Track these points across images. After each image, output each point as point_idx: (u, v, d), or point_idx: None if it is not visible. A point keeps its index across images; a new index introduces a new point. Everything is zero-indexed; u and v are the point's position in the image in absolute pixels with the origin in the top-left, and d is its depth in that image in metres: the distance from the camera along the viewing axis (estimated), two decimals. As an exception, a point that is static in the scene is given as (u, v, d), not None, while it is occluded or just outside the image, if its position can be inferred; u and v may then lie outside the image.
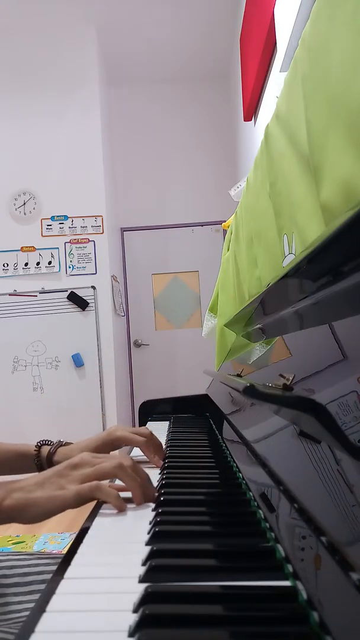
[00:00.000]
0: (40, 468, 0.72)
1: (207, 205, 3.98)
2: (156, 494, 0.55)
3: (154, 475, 0.65)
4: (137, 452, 0.84)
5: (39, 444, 0.73)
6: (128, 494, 0.54)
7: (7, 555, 0.70)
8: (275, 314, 0.71)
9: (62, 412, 3.19)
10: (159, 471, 0.67)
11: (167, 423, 1.13)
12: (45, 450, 0.72)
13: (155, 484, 0.60)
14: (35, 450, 0.72)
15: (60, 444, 0.73)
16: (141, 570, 0.36)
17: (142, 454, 0.73)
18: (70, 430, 3.11)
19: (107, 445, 0.71)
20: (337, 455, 0.33)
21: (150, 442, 0.72)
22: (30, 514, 0.49)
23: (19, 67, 3.33)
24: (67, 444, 0.74)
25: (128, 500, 0.53)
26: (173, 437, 0.93)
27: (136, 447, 0.74)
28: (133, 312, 3.99)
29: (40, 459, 0.72)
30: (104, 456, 0.57)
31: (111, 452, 0.70)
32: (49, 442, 0.74)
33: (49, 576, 0.66)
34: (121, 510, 0.51)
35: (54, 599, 0.33)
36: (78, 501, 0.50)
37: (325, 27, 0.50)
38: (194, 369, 3.79)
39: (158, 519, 0.46)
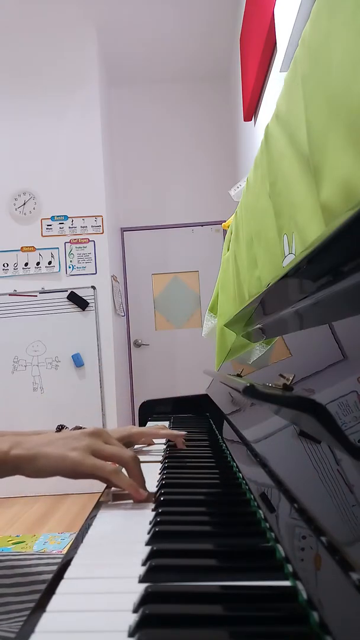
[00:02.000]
0: None
1: (207, 205, 3.98)
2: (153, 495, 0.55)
3: (154, 474, 0.65)
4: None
5: (58, 427, 0.74)
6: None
7: (8, 555, 0.70)
8: (275, 314, 0.71)
9: (62, 412, 3.19)
10: (159, 471, 0.67)
11: (167, 423, 1.13)
12: None
13: (155, 483, 0.61)
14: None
15: (78, 428, 0.75)
16: (141, 570, 0.36)
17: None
18: (70, 430, 3.11)
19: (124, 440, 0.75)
20: (337, 455, 0.33)
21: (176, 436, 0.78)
22: (37, 466, 0.48)
23: (19, 67, 3.33)
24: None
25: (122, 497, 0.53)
26: (173, 437, 0.93)
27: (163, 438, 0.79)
28: (133, 312, 3.99)
29: None
30: (111, 433, 0.57)
31: None
32: (65, 427, 0.75)
33: (49, 576, 0.66)
34: (139, 498, 0.50)
35: (54, 599, 0.33)
36: (88, 472, 0.49)
37: (325, 27, 0.50)
38: (194, 369, 3.79)
39: (158, 519, 0.46)
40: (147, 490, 0.54)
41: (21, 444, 0.49)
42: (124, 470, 0.54)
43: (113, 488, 0.57)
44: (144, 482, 0.55)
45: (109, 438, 0.54)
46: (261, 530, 0.42)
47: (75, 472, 0.49)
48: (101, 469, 0.49)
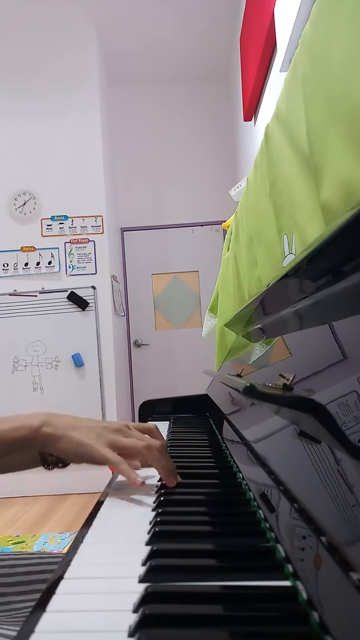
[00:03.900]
0: (43, 460, 0.69)
1: (207, 205, 3.98)
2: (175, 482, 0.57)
3: (154, 474, 0.65)
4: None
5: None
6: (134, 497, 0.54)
7: (9, 555, 0.70)
8: (275, 314, 0.71)
9: (62, 412, 3.18)
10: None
11: (167, 423, 1.13)
12: None
13: (155, 483, 0.60)
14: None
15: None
16: (141, 570, 0.36)
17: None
18: (70, 430, 3.11)
19: None
20: (337, 455, 0.33)
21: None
22: (60, 447, 0.54)
23: (19, 67, 3.33)
24: None
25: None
26: (173, 437, 0.93)
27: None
28: (133, 312, 3.99)
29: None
30: (139, 432, 0.61)
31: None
32: None
33: (50, 576, 0.66)
34: (135, 484, 0.53)
35: (54, 599, 0.33)
36: (101, 460, 0.53)
37: (325, 27, 0.50)
38: (194, 369, 3.79)
39: (158, 519, 0.46)
40: (176, 475, 0.58)
41: (51, 423, 0.55)
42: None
43: (112, 488, 0.58)
44: (168, 467, 0.57)
45: (129, 433, 0.58)
46: (261, 530, 0.42)
47: (91, 457, 0.54)
48: (110, 459, 0.53)
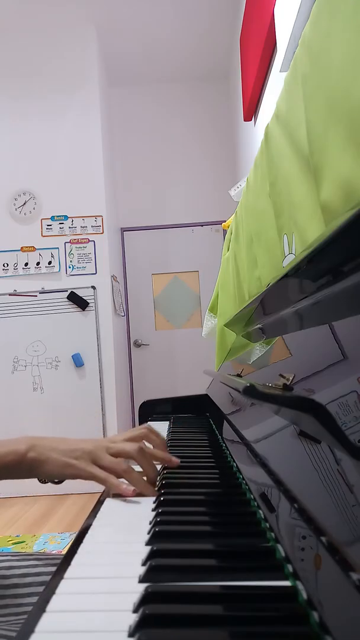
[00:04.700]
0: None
1: (207, 205, 3.98)
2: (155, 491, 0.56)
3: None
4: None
5: None
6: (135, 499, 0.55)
7: (6, 555, 0.70)
8: (275, 314, 0.71)
9: (62, 412, 3.19)
10: (159, 471, 0.67)
11: (167, 423, 1.13)
12: None
13: (155, 483, 0.60)
14: None
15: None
16: (141, 570, 0.36)
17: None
18: (70, 431, 3.12)
19: None
20: (337, 455, 0.33)
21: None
22: (48, 470, 0.55)
23: (19, 67, 3.33)
24: None
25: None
26: (173, 437, 0.93)
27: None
28: (133, 312, 3.99)
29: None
30: (119, 439, 0.61)
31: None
32: None
33: (47, 577, 0.66)
34: (127, 494, 0.54)
35: (54, 599, 0.33)
36: (89, 478, 0.55)
37: (325, 27, 0.50)
38: (194, 369, 3.79)
39: (158, 519, 0.46)
40: (150, 487, 0.57)
41: (36, 447, 0.56)
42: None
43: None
44: (146, 484, 0.57)
45: (112, 448, 0.59)
46: (261, 530, 0.42)
47: (78, 476, 0.55)
48: (97, 475, 0.55)
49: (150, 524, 0.46)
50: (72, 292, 3.24)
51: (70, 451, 0.57)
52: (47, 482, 0.71)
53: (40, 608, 0.31)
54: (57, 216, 3.30)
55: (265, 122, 1.66)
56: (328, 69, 0.50)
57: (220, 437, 0.89)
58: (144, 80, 3.99)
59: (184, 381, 3.88)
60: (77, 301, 3.24)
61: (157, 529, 0.43)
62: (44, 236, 3.30)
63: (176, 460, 0.62)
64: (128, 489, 0.54)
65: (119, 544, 0.43)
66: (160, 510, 0.49)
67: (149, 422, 1.18)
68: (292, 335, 0.64)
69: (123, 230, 4.02)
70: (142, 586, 0.33)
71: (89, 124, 3.32)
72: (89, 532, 0.46)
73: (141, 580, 0.35)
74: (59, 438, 0.59)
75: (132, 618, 0.29)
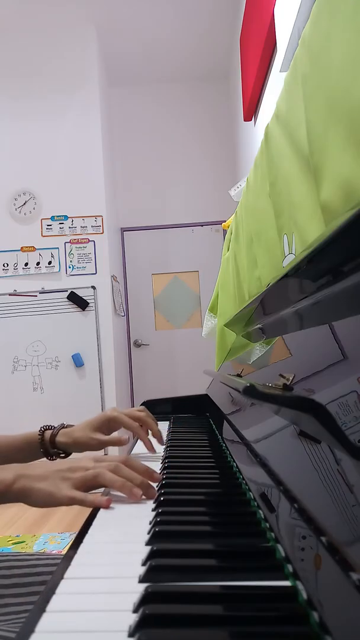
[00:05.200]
0: (45, 452, 0.76)
1: (207, 205, 3.98)
2: (156, 493, 0.56)
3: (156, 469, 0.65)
4: (141, 449, 0.84)
5: (42, 429, 0.78)
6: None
7: (7, 555, 0.70)
8: (275, 314, 0.71)
9: (62, 412, 3.19)
10: (159, 471, 0.67)
11: (167, 423, 1.13)
12: (48, 434, 0.77)
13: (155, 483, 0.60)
14: (39, 435, 0.76)
15: (63, 427, 0.78)
16: (141, 570, 0.36)
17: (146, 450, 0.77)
18: (70, 430, 3.11)
19: (104, 425, 0.77)
20: (337, 455, 0.33)
21: (144, 425, 0.80)
22: (33, 500, 0.55)
23: (19, 67, 3.33)
24: (68, 426, 0.78)
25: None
26: (173, 437, 0.93)
27: (128, 430, 0.79)
28: (133, 312, 3.99)
29: (44, 443, 0.76)
30: (103, 459, 0.59)
31: (113, 434, 0.78)
32: (51, 427, 0.78)
33: (47, 577, 0.66)
34: (103, 505, 0.54)
35: (54, 599, 0.33)
36: (70, 503, 0.54)
37: (325, 27, 0.50)
38: (194, 369, 3.79)
39: (158, 519, 0.46)
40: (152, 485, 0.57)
41: (22, 477, 0.56)
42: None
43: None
44: (139, 477, 0.57)
45: (89, 465, 0.58)
46: (261, 530, 0.42)
47: (60, 504, 0.55)
48: (75, 498, 0.54)
49: (150, 524, 0.46)
50: (72, 292, 3.24)
51: (53, 478, 0.56)
52: (55, 459, 0.74)
53: (40, 608, 0.31)
54: (57, 216, 3.30)
55: (265, 122, 1.66)
56: (328, 69, 0.50)
57: (220, 437, 0.89)
58: (144, 80, 3.99)
59: (184, 381, 3.88)
60: (77, 301, 3.24)
61: (157, 529, 0.43)
62: (44, 236, 3.30)
63: (157, 477, 0.60)
64: (104, 502, 0.54)
65: (119, 544, 0.43)
66: (160, 510, 0.49)
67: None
68: (292, 335, 0.64)
69: (123, 230, 4.02)
70: (142, 586, 0.33)
71: (88, 124, 3.32)
72: (89, 532, 0.46)
73: (141, 580, 0.35)
74: (47, 466, 0.59)
75: (132, 618, 0.29)
